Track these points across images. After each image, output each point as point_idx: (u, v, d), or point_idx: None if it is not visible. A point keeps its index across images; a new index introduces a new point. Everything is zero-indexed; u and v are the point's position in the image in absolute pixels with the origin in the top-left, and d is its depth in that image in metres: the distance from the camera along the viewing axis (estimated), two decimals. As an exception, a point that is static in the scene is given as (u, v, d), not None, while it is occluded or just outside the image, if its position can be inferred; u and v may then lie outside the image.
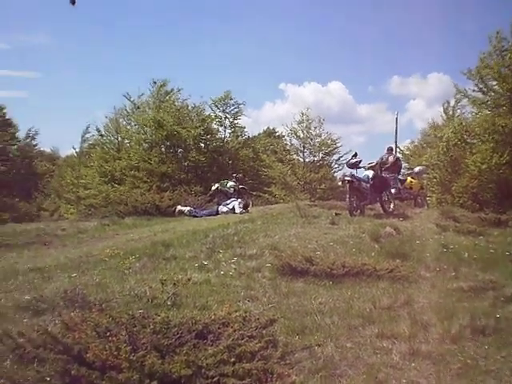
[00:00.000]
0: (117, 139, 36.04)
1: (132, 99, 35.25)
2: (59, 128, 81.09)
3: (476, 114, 24.78)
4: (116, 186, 31.14)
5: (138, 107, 34.84)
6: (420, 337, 5.05)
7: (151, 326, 4.13)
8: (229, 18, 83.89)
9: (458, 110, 32.42)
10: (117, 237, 11.61)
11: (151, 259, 8.18)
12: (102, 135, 36.63)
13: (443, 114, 33.79)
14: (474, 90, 23.77)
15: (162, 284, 5.98)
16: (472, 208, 20.05)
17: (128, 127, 35.23)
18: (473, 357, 4.61)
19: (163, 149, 32.04)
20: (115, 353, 3.63)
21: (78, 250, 9.84)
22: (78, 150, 42.18)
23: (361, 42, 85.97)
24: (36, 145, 53.74)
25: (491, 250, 9.48)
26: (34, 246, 11.02)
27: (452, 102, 33.10)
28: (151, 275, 7.18)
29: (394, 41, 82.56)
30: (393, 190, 16.50)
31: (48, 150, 60.24)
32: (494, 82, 22.75)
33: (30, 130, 49.43)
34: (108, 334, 3.98)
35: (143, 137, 32.51)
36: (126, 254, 8.39)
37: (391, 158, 18.67)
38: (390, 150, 19.63)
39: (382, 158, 18.02)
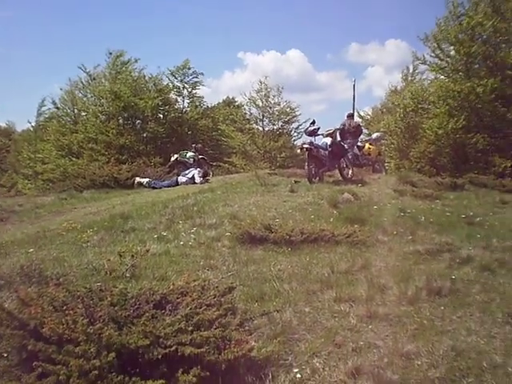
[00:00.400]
0: (73, 112, 35.39)
1: (88, 70, 34.59)
2: (14, 102, 79.20)
3: (433, 80, 25.01)
4: (74, 159, 30.67)
5: (94, 78, 34.17)
6: (377, 299, 5.15)
7: (108, 299, 4.09)
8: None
9: (417, 77, 32.70)
10: (75, 211, 11.45)
11: (109, 232, 8.10)
12: (57, 108, 35.90)
13: (402, 81, 34.04)
14: (431, 56, 23.96)
15: (121, 256, 5.93)
16: (429, 173, 20.35)
17: (84, 99, 34.57)
18: (429, 318, 4.73)
19: (121, 120, 31.58)
20: (72, 326, 3.60)
21: (36, 226, 9.69)
22: (33, 124, 41.26)
23: (319, 9, 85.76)
24: (-10, 120, 52.61)
25: (447, 214, 9.69)
26: (-10, 222, 10.82)
27: (411, 69, 33.34)
28: (109, 248, 7.12)
29: (352, 8, 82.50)
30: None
31: (3, 125, 58.95)
32: (451, 48, 22.94)
33: (-17, 106, 48.29)
34: (65, 307, 3.93)
35: (100, 109, 31.95)
36: (83, 227, 8.28)
37: (353, 123, 18.81)
38: (350, 115, 19.79)
39: (344, 125, 18.14)
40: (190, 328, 3.69)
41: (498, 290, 5.55)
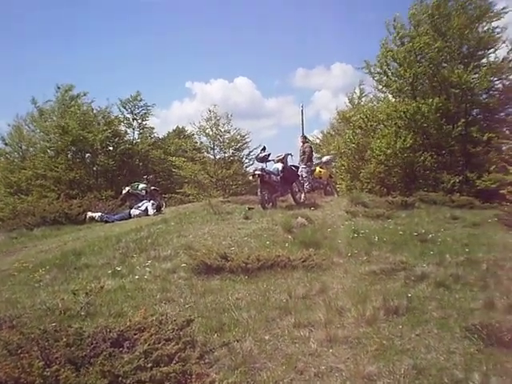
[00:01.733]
0: (20, 148, 34.85)
1: (37, 105, 34.21)
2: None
3: (381, 100, 25.53)
4: (23, 196, 30.10)
5: (43, 114, 33.80)
6: (336, 322, 5.18)
7: (64, 339, 4.02)
8: (130, 17, 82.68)
9: (363, 99, 33.30)
10: (26, 249, 11.20)
11: (62, 270, 7.95)
12: (6, 144, 35.32)
13: (348, 104, 34.58)
14: (378, 73, 24.45)
15: (74, 294, 5.83)
16: (380, 192, 20.74)
17: (32, 134, 34.11)
18: (388, 337, 4.79)
19: (70, 155, 31.24)
20: (28, 369, 3.52)
21: (-15, 267, 9.45)
22: (-20, 161, 40.42)
23: (264, 35, 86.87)
24: None
25: (400, 232, 9.85)
26: None
27: (357, 91, 33.92)
28: (63, 286, 6.98)
29: (298, 34, 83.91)
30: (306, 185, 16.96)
31: None
32: (398, 68, 23.46)
33: None
34: (19, 351, 3.85)
35: (48, 144, 31.58)
36: (35, 266, 8.12)
37: (307, 148, 19.12)
38: (304, 138, 20.13)
39: (311, 147, 18.68)
40: (150, 364, 3.65)
41: (455, 305, 5.67)
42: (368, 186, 22.95)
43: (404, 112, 21.81)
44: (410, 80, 22.87)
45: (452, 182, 20.48)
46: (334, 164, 24.37)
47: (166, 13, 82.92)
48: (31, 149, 34.35)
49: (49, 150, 31.66)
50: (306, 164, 18.36)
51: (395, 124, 22.53)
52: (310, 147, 19.70)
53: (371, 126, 24.76)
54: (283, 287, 6.50)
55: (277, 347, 4.65)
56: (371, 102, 28.28)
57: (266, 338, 4.87)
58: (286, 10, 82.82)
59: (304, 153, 18.91)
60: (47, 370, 3.50)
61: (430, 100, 21.35)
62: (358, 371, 4.11)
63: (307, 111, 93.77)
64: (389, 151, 21.81)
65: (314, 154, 25.32)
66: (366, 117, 24.83)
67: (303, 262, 7.43)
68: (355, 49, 71.77)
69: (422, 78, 23.09)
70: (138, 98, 33.36)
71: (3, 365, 3.57)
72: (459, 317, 5.27)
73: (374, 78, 25.19)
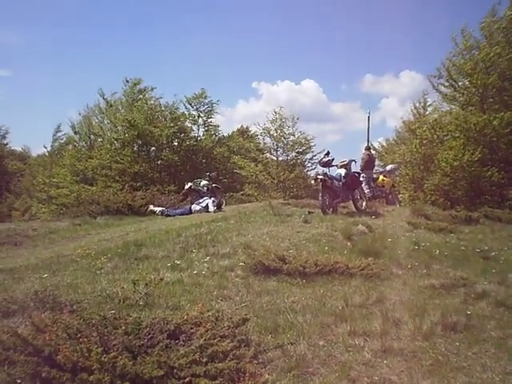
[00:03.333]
0: (89, 137, 35.77)
1: (105, 97, 35.06)
2: (31, 127, 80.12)
3: (448, 111, 25.04)
4: (87, 186, 30.87)
5: (111, 105, 34.60)
6: (392, 334, 5.09)
7: (123, 327, 4.09)
8: (204, 17, 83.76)
9: (429, 108, 32.81)
10: (88, 237, 11.48)
11: (123, 259, 8.11)
12: (75, 132, 36.34)
13: (415, 112, 34.09)
14: (445, 86, 24.08)
15: (134, 284, 5.91)
16: (443, 205, 20.29)
17: (101, 125, 34.95)
18: (444, 353, 4.67)
19: (135, 148, 31.83)
20: (86, 354, 3.60)
21: (49, 251, 9.72)
22: (49, 149, 41.77)
23: (334, 40, 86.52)
24: (7, 144, 53.54)
25: (462, 247, 9.63)
26: (4, 246, 10.85)
27: (422, 101, 33.45)
28: (123, 275, 7.11)
29: (367, 39, 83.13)
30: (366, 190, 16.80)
31: (19, 149, 59.67)
32: (465, 80, 23.04)
33: (0, 129, 48.96)
34: (79, 335, 3.93)
35: (115, 136, 32.28)
36: (97, 254, 8.29)
37: (365, 156, 18.99)
38: (367, 147, 20.02)
39: (370, 155, 18.66)
40: (205, 359, 3.68)
41: (514, 326, 5.49)
42: (432, 197, 22.51)
43: (474, 124, 21.31)
44: (480, 91, 22.35)
45: (518, 199, 19.91)
46: (397, 173, 24.00)
47: (239, 13, 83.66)
48: (99, 139, 35.21)
49: (115, 142, 32.35)
50: (362, 171, 18.15)
51: (464, 136, 22.05)
52: (368, 155, 19.50)
53: (438, 136, 24.32)
54: (340, 294, 6.44)
55: (330, 354, 4.61)
56: (436, 113, 27.81)
57: (321, 343, 4.83)
58: (356, 15, 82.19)
59: (362, 159, 18.81)
60: (105, 356, 3.57)
61: (502, 114, 20.80)
62: (411, 385, 4.05)
63: (373, 118, 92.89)
64: (456, 163, 21.35)
65: (377, 162, 25.07)
66: (433, 127, 24.41)
67: (361, 270, 7.35)
68: (425, 57, 70.71)
69: (492, 91, 22.49)
70: (204, 96, 33.71)
71: (63, 348, 3.66)
72: (518, 338, 5.11)
73: (439, 91, 24.76)
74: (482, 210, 15.85)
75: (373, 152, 22.51)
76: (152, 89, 33.87)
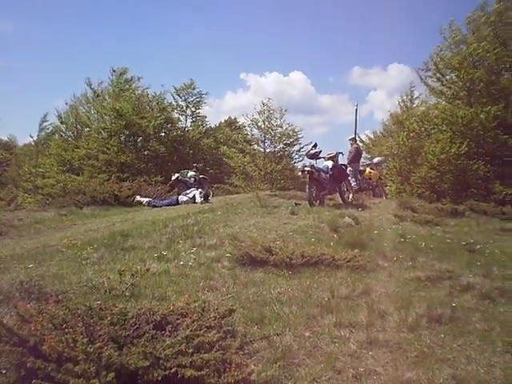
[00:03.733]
0: (75, 127, 35.57)
1: (92, 86, 34.85)
2: (17, 116, 79.50)
3: (435, 105, 25.11)
4: (74, 176, 30.71)
5: (98, 95, 34.41)
6: (377, 325, 5.14)
7: (108, 318, 4.08)
8: (191, 7, 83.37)
9: (416, 101, 32.95)
10: (74, 227, 11.42)
11: (109, 249, 8.08)
12: (62, 122, 36.10)
13: (402, 105, 34.21)
14: (432, 80, 24.16)
15: (120, 275, 5.90)
16: (430, 198, 20.38)
17: (88, 115, 34.76)
18: (429, 345, 4.72)
19: (122, 138, 31.72)
20: (72, 345, 3.58)
21: (35, 241, 9.66)
22: (35, 138, 41.49)
23: (322, 32, 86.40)
24: (-8, 133, 52.84)
25: (448, 240, 9.70)
26: (-11, 236, 10.80)
27: (414, 93, 33.59)
28: (109, 266, 7.10)
29: (356, 32, 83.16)
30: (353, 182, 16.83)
31: (5, 139, 59.21)
32: (453, 74, 23.12)
33: (-15, 119, 48.57)
34: (64, 325, 3.91)
35: (102, 125, 32.13)
36: (83, 244, 8.27)
37: (353, 149, 18.99)
38: (353, 139, 19.98)
39: (357, 148, 18.72)
40: (191, 350, 3.67)
41: (498, 318, 5.54)
42: (418, 190, 22.60)
43: (461, 118, 21.40)
44: (467, 85, 22.44)
45: (504, 193, 19.97)
46: (384, 166, 24.06)
47: (228, 4, 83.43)
48: (86, 129, 35.03)
49: (103, 132, 32.20)
50: (349, 164, 18.11)
51: (451, 129, 22.14)
52: (356, 148, 19.49)
53: (425, 129, 24.41)
54: (326, 285, 6.47)
55: (316, 345, 4.64)
56: (424, 106, 27.91)
57: (306, 334, 4.86)
58: (345, 7, 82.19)
59: (350, 153, 18.79)
60: (90, 346, 3.55)
61: (488, 108, 20.89)
62: (396, 376, 4.08)
63: (361, 110, 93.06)
64: (442, 156, 21.44)
65: (365, 155, 25.13)
66: (421, 120, 24.50)
67: (347, 262, 7.38)
68: (414, 50, 70.90)
69: (479, 85, 22.57)
70: (192, 87, 33.63)
71: (48, 338, 3.64)
72: (502, 330, 5.14)
73: (426, 84, 24.82)
74: (467, 203, 15.97)
75: (360, 144, 22.53)
76: (138, 78, 33.74)
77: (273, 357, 4.28)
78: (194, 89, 33.58)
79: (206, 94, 34.18)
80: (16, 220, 12.98)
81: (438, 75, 23.65)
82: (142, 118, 30.56)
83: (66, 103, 36.71)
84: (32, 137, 41.72)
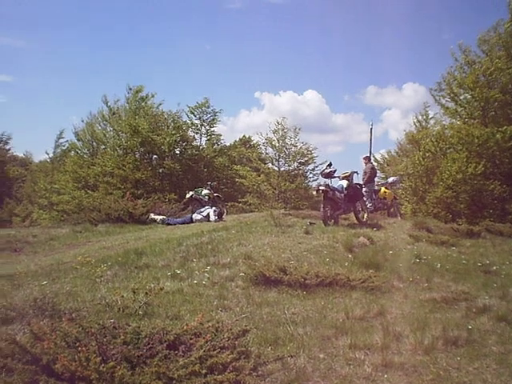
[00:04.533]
0: (91, 144, 35.86)
1: (109, 104, 35.17)
2: (33, 133, 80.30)
3: (450, 125, 25.02)
4: (89, 192, 30.87)
5: (114, 113, 34.68)
6: (393, 348, 5.06)
7: (122, 337, 4.06)
8: (207, 27, 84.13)
9: (431, 121, 32.86)
10: (89, 244, 11.47)
11: (123, 267, 8.10)
12: (79, 139, 36.46)
13: (417, 124, 34.11)
14: (447, 100, 24.10)
15: (134, 293, 5.90)
16: (445, 218, 20.24)
17: (104, 132, 35.03)
18: (445, 368, 4.63)
19: (138, 155, 31.85)
20: (84, 364, 3.57)
21: (49, 258, 9.71)
22: (51, 155, 41.91)
23: (337, 51, 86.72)
24: (9, 149, 53.67)
25: (463, 261, 9.59)
26: (4, 252, 10.88)
27: (429, 113, 33.51)
28: (123, 284, 7.10)
29: (371, 51, 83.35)
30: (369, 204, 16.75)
31: (21, 155, 59.84)
32: (467, 94, 23.07)
33: (2, 135, 49.35)
34: (77, 344, 3.90)
35: (118, 142, 32.31)
36: (97, 261, 8.26)
37: (368, 169, 18.91)
38: (368, 158, 19.89)
39: (373, 168, 18.61)
40: (204, 371, 3.65)
41: (515, 341, 5.45)
42: (434, 210, 22.42)
43: (477, 138, 21.29)
44: (482, 104, 22.35)
45: (520, 213, 19.84)
46: (399, 185, 23.94)
47: (242, 23, 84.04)
48: (102, 146, 35.29)
49: (118, 149, 32.39)
50: (365, 184, 17.99)
51: (466, 149, 22.03)
52: (372, 168, 19.42)
53: (441, 149, 24.30)
54: (340, 306, 6.41)
55: (331, 367, 4.58)
56: (439, 125, 27.78)
57: (321, 356, 4.80)
58: (358, 26, 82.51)
59: (365, 173, 18.68)
60: (103, 365, 3.54)
61: (504, 128, 20.77)
62: (412, 400, 4.02)
63: (375, 129, 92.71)
64: (459, 176, 21.31)
65: (379, 174, 25.07)
66: (436, 140, 24.40)
67: (362, 282, 7.32)
68: (429, 69, 71.02)
69: (494, 105, 22.47)
70: (207, 105, 33.77)
71: (61, 357, 3.63)
72: (519, 353, 5.07)
73: (440, 104, 24.75)
74: (483, 223, 15.79)
75: (374, 164, 22.44)
76: (153, 95, 33.89)
77: (287, 379, 4.23)
78: (208, 107, 33.72)
79: (219, 112, 34.28)
80: (31, 236, 13.08)
81: (452, 95, 23.59)
82: (158, 135, 30.71)
83: (83, 120, 37.16)
84: (48, 153, 42.31)
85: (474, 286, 7.76)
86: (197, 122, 33.98)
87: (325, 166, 14.85)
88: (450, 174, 21.62)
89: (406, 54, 73.00)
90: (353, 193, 14.17)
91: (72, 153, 37.77)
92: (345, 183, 14.18)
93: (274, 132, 31.12)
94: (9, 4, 75.49)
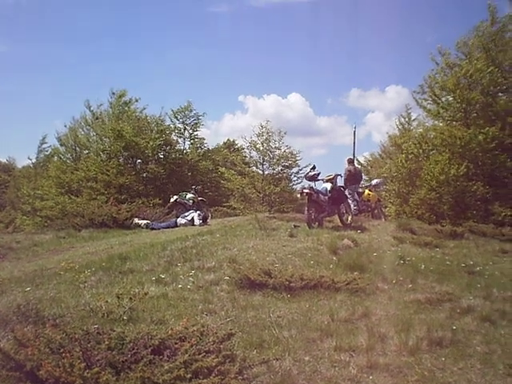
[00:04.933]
0: (74, 149, 35.66)
1: (92, 109, 34.98)
2: (15, 138, 79.67)
3: (433, 126, 25.17)
4: (73, 197, 30.69)
5: (97, 118, 34.51)
6: (378, 349, 5.08)
7: (106, 342, 4.05)
8: (190, 28, 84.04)
9: (414, 123, 33.02)
10: (72, 250, 11.41)
11: (107, 273, 8.06)
12: (61, 144, 36.26)
13: (400, 127, 34.29)
14: (429, 103, 24.26)
15: (118, 298, 5.88)
16: (429, 220, 20.35)
17: (87, 137, 34.84)
18: (430, 369, 4.67)
19: (121, 160, 31.69)
20: (69, 369, 3.55)
21: (33, 264, 9.65)
22: (34, 160, 41.63)
23: (320, 54, 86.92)
24: (-9, 155, 52.98)
25: (447, 262, 9.65)
26: (-14, 259, 10.77)
27: (412, 116, 33.67)
28: (107, 289, 7.06)
29: (354, 54, 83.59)
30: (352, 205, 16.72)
31: (3, 161, 59.32)
32: (449, 96, 23.24)
33: (-16, 141, 48.77)
34: (62, 350, 3.89)
35: (102, 147, 32.16)
36: (81, 267, 8.23)
37: (357, 169, 18.94)
38: (351, 161, 19.85)
39: (350, 170, 18.38)
40: (189, 375, 3.64)
41: (500, 341, 5.50)
42: (417, 212, 22.53)
43: (459, 139, 21.45)
44: (464, 106, 22.52)
45: (503, 214, 19.88)
46: (383, 187, 24.03)
47: (226, 26, 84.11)
48: (85, 151, 35.11)
49: (102, 154, 32.24)
50: (346, 186, 17.88)
51: (449, 150, 22.17)
52: (349, 171, 19.28)
53: (423, 151, 24.44)
54: (325, 309, 6.43)
55: (316, 369, 4.59)
56: (421, 127, 27.91)
57: (306, 358, 4.81)
58: (341, 29, 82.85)
59: (346, 175, 18.58)
60: (88, 371, 3.53)
61: (486, 129, 20.95)
62: (398, 401, 4.03)
63: (359, 132, 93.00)
64: (442, 177, 21.43)
65: (364, 176, 25.11)
66: (419, 142, 24.53)
67: (347, 284, 7.34)
68: (411, 71, 71.41)
69: (476, 106, 22.65)
70: (189, 108, 33.71)
71: (45, 363, 3.61)
72: (503, 353, 5.11)
73: (423, 107, 24.89)
74: (466, 224, 15.91)
75: (356, 166, 22.34)
76: (136, 100, 33.72)
77: (272, 382, 4.24)
78: (191, 111, 33.64)
79: (202, 116, 34.17)
80: (14, 243, 12.99)
81: (434, 98, 23.75)
82: (142, 139, 30.60)
83: (66, 126, 36.91)
84: (31, 159, 41.99)
85: (457, 286, 7.81)
86: (180, 125, 33.93)
87: (309, 169, 14.88)
88: (433, 175, 21.74)
89: (389, 57, 73.35)
90: (337, 195, 14.22)
91: (55, 158, 37.52)
92: (329, 186, 14.22)
93: (258, 135, 31.21)
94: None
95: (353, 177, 18.70)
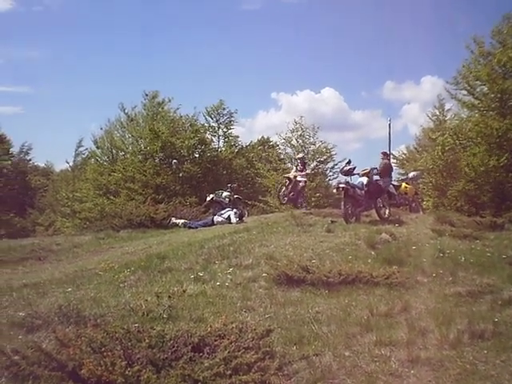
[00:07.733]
0: (111, 151, 36.08)
1: (126, 111, 35.34)
2: (53, 142, 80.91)
3: (468, 117, 24.79)
4: (111, 198, 31.08)
5: (132, 119, 34.85)
6: (418, 343, 5.01)
7: (146, 340, 4.08)
8: (222, 28, 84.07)
9: (448, 114, 32.53)
10: (112, 250, 11.55)
11: (146, 272, 8.14)
12: (98, 147, 36.73)
13: (434, 119, 33.79)
14: (464, 95, 23.90)
15: (158, 297, 5.94)
16: (468, 211, 20.05)
17: (122, 139, 35.21)
18: (472, 362, 4.58)
19: (157, 160, 31.97)
20: (110, 368, 3.59)
21: (73, 265, 9.79)
22: (71, 163, 42.28)
23: (353, 47, 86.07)
24: (30, 160, 54.03)
25: (488, 254, 9.46)
26: (28, 261, 10.98)
27: (446, 106, 33.16)
28: (146, 288, 7.13)
29: (387, 46, 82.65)
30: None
31: (42, 165, 60.25)
32: (483, 86, 22.86)
33: (23, 145, 49.82)
34: (103, 349, 3.93)
35: (138, 148, 32.49)
36: (120, 267, 8.34)
37: (383, 164, 18.70)
38: (384, 154, 19.61)
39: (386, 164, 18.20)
40: (229, 372, 3.65)
41: (542, 332, 5.37)
42: (456, 204, 22.24)
43: (496, 130, 21.07)
44: (499, 96, 22.10)
45: (544, 204, 19.59)
46: (420, 180, 23.72)
47: (256, 24, 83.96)
48: (121, 153, 35.48)
49: (138, 154, 32.56)
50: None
51: (486, 142, 21.80)
52: (386, 163, 19.06)
53: (460, 143, 24.10)
54: (364, 303, 6.38)
55: (356, 364, 4.55)
56: (456, 119, 27.46)
57: (346, 354, 4.77)
58: (374, 22, 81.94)
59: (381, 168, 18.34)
60: (129, 369, 3.56)
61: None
62: (440, 395, 3.98)
63: (394, 125, 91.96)
64: (481, 169, 21.10)
65: (399, 170, 24.81)
66: (455, 134, 24.19)
67: (386, 279, 7.27)
68: (446, 61, 70.28)
69: (511, 95, 22.20)
70: (222, 107, 33.86)
71: (87, 362, 3.65)
72: (547, 345, 5.00)
73: (457, 99, 24.52)
74: (507, 215, 15.62)
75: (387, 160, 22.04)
76: (169, 100, 34.01)
77: (312, 377, 4.21)
78: (223, 109, 33.82)
79: (235, 113, 34.34)
80: (54, 245, 13.19)
81: (469, 88, 23.37)
82: (177, 139, 30.82)
83: (101, 128, 37.36)
84: (68, 162, 42.67)
85: (499, 278, 7.64)
86: (214, 124, 34.12)
87: (344, 164, 14.77)
88: (472, 166, 21.42)
89: (423, 48, 72.26)
90: (373, 189, 14.08)
91: (92, 160, 38.03)
92: (365, 180, 14.08)
93: (293, 131, 31.12)
94: (21, 14, 76.23)
95: (387, 170, 18.50)
